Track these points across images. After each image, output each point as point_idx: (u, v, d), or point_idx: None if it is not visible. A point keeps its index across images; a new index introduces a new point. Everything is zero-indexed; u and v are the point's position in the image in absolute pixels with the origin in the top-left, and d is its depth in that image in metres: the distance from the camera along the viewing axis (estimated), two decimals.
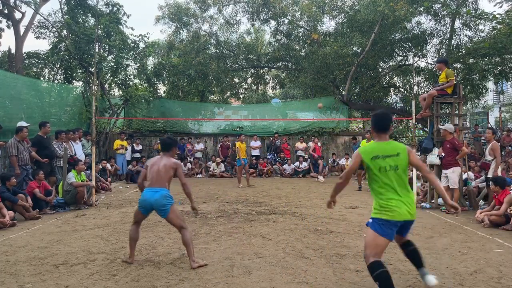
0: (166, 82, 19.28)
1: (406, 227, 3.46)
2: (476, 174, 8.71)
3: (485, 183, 7.69)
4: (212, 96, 23.04)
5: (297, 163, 15.25)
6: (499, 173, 7.26)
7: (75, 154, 9.68)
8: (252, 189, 11.00)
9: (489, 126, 8.42)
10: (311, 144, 14.70)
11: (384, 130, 3.44)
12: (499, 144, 8.01)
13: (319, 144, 14.88)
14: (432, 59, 17.27)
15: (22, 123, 8.69)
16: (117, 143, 13.68)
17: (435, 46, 17.13)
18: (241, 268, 4.19)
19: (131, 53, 15.10)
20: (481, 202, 7.86)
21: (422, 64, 18.07)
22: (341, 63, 16.52)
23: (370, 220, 3.40)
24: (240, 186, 11.37)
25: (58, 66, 14.90)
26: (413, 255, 3.59)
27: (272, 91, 25.76)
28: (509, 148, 11.33)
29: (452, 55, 15.21)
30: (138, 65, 15.85)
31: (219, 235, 5.64)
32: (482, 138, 16.47)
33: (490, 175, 7.14)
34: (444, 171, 7.63)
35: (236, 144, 12.04)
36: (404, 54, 17.75)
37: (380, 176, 3.35)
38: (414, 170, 8.43)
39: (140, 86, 16.89)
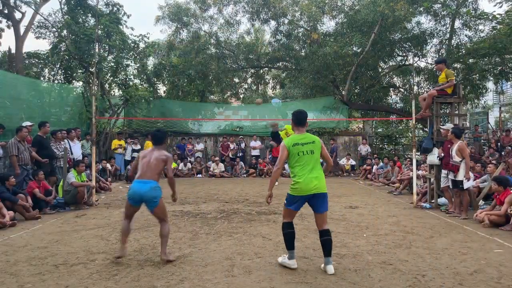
0: (166, 82, 19.28)
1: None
2: (476, 174, 8.69)
3: (470, 185, 7.48)
4: (212, 96, 23.03)
5: None
6: (472, 175, 7.22)
7: (72, 154, 9.66)
8: (252, 189, 11.00)
9: (448, 123, 8.25)
10: None
11: (302, 125, 4.28)
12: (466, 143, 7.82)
13: None
14: (432, 59, 17.29)
15: (27, 123, 8.71)
16: (115, 142, 13.70)
17: (435, 46, 17.15)
18: (241, 268, 4.19)
19: (131, 53, 15.11)
20: (481, 202, 7.85)
21: (422, 64, 18.11)
22: (341, 63, 16.52)
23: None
24: None
25: (58, 66, 14.92)
26: (326, 244, 4.12)
27: (272, 91, 25.76)
28: (509, 148, 11.31)
29: (452, 55, 15.21)
30: (138, 65, 15.85)
31: (219, 235, 5.64)
32: (482, 138, 16.48)
33: (460, 177, 7.04)
34: (444, 171, 7.62)
35: None
36: (404, 54, 17.76)
37: (299, 159, 4.12)
38: (414, 170, 8.46)
39: (140, 86, 16.89)
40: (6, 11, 15.51)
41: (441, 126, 7.95)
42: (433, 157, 7.92)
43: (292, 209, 4.18)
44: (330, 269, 4.01)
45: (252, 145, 16.12)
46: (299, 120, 4.28)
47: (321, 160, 4.26)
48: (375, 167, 13.64)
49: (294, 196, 4.12)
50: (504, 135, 13.50)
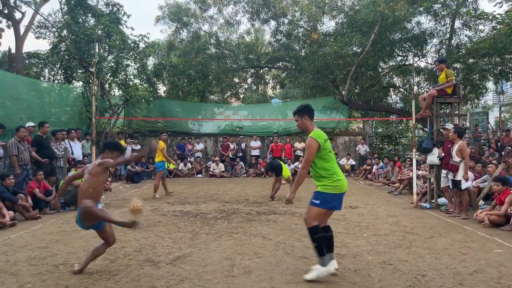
0: (166, 82, 19.29)
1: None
2: (476, 174, 8.70)
3: (471, 184, 7.50)
4: (212, 96, 23.06)
5: (297, 163, 15.24)
6: (471, 175, 7.22)
7: (72, 153, 9.66)
8: (252, 189, 10.99)
9: (449, 123, 8.28)
10: None
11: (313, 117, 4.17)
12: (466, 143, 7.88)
13: None
14: (432, 59, 17.30)
15: (29, 124, 8.72)
16: None
17: (435, 46, 17.15)
18: (241, 268, 4.19)
19: (131, 53, 15.12)
20: (481, 202, 7.85)
21: (422, 64, 18.12)
22: (341, 63, 16.53)
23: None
24: None
25: (58, 66, 14.93)
26: (329, 240, 4.00)
27: (272, 91, 25.77)
28: (509, 148, 11.31)
29: (452, 55, 15.21)
30: (138, 65, 15.85)
31: (219, 235, 5.64)
32: (482, 138, 16.48)
33: (459, 177, 7.05)
34: (444, 171, 7.62)
35: None
36: (404, 54, 17.76)
37: (330, 155, 3.97)
38: (414, 170, 8.45)
39: (140, 86, 16.90)
40: (6, 11, 15.51)
41: (444, 126, 7.94)
42: (433, 157, 7.92)
43: (329, 208, 3.96)
44: (335, 263, 3.92)
45: (252, 145, 16.11)
46: (313, 112, 4.21)
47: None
48: (375, 167, 13.64)
49: (334, 194, 3.92)
50: (504, 135, 13.50)
